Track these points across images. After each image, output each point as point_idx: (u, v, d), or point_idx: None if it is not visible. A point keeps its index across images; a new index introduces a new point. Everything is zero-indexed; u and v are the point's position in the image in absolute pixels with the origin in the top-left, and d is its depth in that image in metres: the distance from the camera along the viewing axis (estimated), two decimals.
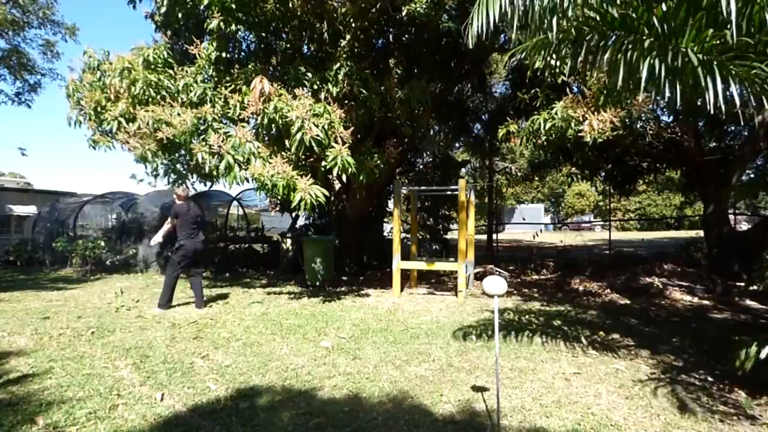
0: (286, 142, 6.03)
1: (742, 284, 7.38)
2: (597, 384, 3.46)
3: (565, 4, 2.76)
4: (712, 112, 2.46)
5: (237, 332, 5.01)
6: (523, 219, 33.68)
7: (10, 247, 13.36)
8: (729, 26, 2.39)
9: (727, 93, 2.51)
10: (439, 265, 7.88)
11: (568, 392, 3.30)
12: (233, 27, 6.45)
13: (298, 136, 5.57)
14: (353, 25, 7.10)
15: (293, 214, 11.63)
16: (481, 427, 2.76)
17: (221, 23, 6.31)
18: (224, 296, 7.37)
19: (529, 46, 3.24)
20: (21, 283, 9.22)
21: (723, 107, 2.45)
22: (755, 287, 6.82)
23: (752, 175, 11.44)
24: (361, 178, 6.44)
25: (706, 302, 6.70)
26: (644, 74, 2.63)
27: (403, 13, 6.57)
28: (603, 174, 11.47)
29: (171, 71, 6.76)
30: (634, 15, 2.71)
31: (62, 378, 3.56)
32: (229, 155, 5.76)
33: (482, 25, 3.02)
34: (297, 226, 11.73)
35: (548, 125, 5.81)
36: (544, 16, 2.82)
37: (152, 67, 6.65)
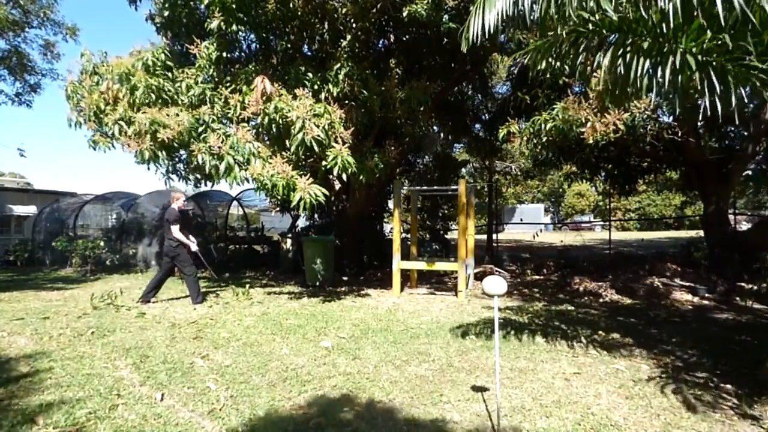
0: (287, 142, 6.03)
1: (744, 284, 7.38)
2: (597, 384, 3.46)
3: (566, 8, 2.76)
4: (709, 113, 2.46)
5: (237, 332, 5.01)
6: (521, 219, 33.67)
7: (10, 247, 13.36)
8: (728, 27, 2.39)
9: (728, 93, 2.51)
10: (439, 265, 7.88)
11: (568, 392, 3.30)
12: (234, 27, 6.45)
13: (299, 136, 5.58)
14: (354, 25, 7.10)
15: (293, 214, 11.64)
16: (481, 427, 2.76)
17: (222, 23, 6.31)
18: (224, 296, 7.37)
19: (530, 50, 3.25)
20: (21, 283, 9.22)
21: (721, 108, 2.46)
22: (756, 287, 6.82)
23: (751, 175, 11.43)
24: (361, 177, 6.44)
25: (706, 302, 6.70)
26: (645, 77, 2.63)
27: (404, 14, 6.57)
28: (603, 174, 11.46)
29: (170, 74, 6.77)
30: (631, 17, 2.71)
31: (62, 378, 3.56)
32: (229, 155, 5.77)
33: (478, 30, 3.03)
34: (297, 227, 11.74)
35: (549, 126, 5.81)
36: (545, 20, 2.83)
37: (151, 71, 6.65)
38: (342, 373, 3.68)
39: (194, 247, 6.73)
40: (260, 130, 6.23)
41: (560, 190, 43.08)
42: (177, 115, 6.10)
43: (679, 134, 8.18)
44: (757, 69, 2.50)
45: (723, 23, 2.36)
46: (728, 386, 3.38)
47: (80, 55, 7.04)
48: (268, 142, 6.31)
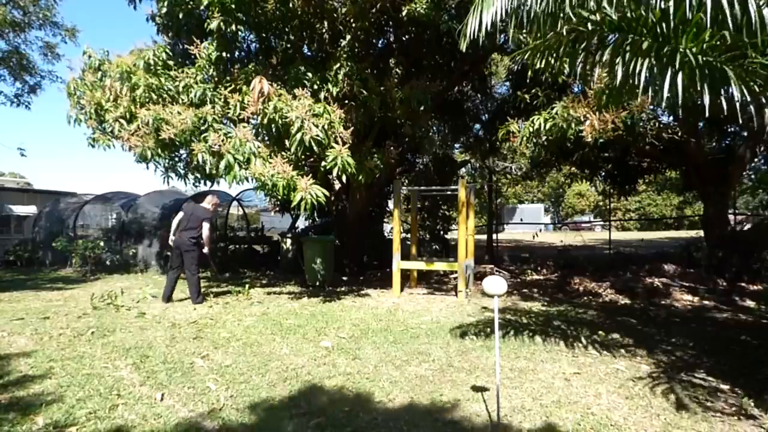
0: (286, 142, 6.03)
1: (744, 284, 7.38)
2: (597, 384, 3.46)
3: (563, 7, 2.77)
4: (709, 113, 2.46)
5: (237, 332, 5.01)
6: (521, 219, 33.66)
7: (10, 247, 13.36)
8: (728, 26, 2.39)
9: (727, 93, 2.51)
10: (439, 265, 7.88)
11: (568, 392, 3.30)
12: (233, 27, 6.45)
13: (298, 136, 5.58)
14: (353, 25, 7.10)
15: (293, 214, 11.64)
16: (481, 427, 2.76)
17: (221, 23, 6.31)
18: (224, 296, 7.37)
19: (528, 49, 3.26)
20: (21, 283, 9.22)
21: (723, 107, 2.46)
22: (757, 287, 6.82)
23: (752, 175, 11.45)
24: (360, 178, 6.45)
25: (706, 302, 6.70)
26: (642, 75, 2.63)
27: (404, 13, 6.57)
28: (603, 174, 11.46)
29: (171, 73, 6.77)
30: (631, 16, 2.72)
31: (62, 378, 3.56)
32: (229, 155, 5.77)
33: (475, 29, 3.04)
34: (297, 227, 11.74)
35: (548, 125, 5.81)
36: (543, 20, 2.83)
37: (152, 69, 6.66)
38: (342, 373, 3.68)
39: (206, 249, 6.88)
40: (260, 130, 6.23)
41: (560, 190, 43.11)
42: (180, 113, 6.11)
43: (679, 134, 8.18)
44: (755, 69, 2.50)
45: (710, 23, 2.36)
46: (728, 386, 3.38)
47: (83, 53, 7.05)
48: (267, 142, 6.31)
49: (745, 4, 2.39)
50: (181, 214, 6.87)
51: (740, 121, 7.75)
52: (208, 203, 6.99)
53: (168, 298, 6.81)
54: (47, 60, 15.39)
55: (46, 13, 14.01)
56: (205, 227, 6.71)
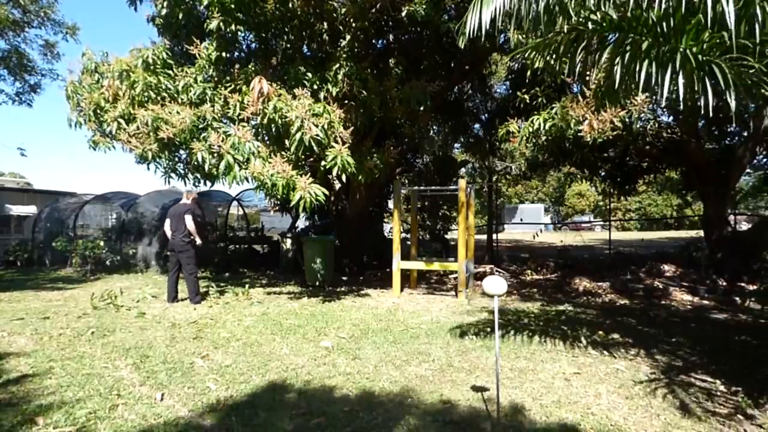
0: (286, 141, 6.03)
1: (744, 284, 7.38)
2: (597, 384, 3.46)
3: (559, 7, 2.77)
4: (711, 113, 2.46)
5: (237, 332, 5.01)
6: (521, 219, 33.67)
7: (10, 247, 13.36)
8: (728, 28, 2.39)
9: (727, 94, 2.51)
10: (439, 265, 7.88)
11: (568, 392, 3.30)
12: (233, 27, 6.45)
13: (298, 135, 5.58)
14: (353, 25, 7.10)
15: (293, 214, 11.63)
16: (481, 427, 2.76)
17: (221, 23, 6.31)
18: (224, 296, 7.37)
19: (528, 48, 3.26)
20: (21, 283, 9.22)
21: (723, 107, 2.46)
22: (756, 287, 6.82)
23: (752, 175, 11.46)
24: (360, 177, 6.44)
25: (706, 303, 6.70)
26: (642, 74, 2.63)
27: (403, 14, 6.58)
28: (603, 174, 11.46)
29: (170, 72, 6.78)
30: (631, 15, 2.72)
31: (62, 378, 3.56)
32: (229, 155, 5.77)
33: (475, 26, 3.05)
34: (297, 227, 11.74)
35: (548, 125, 5.81)
36: (543, 17, 2.83)
37: (151, 68, 6.66)
38: (342, 373, 3.68)
39: (199, 241, 6.91)
40: (260, 129, 6.23)
41: (561, 189, 43.14)
42: (179, 113, 6.11)
43: (679, 134, 8.19)
44: (754, 69, 2.50)
45: (709, 22, 2.36)
46: (728, 386, 3.38)
47: (81, 55, 7.08)
48: (267, 142, 6.31)
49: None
50: (168, 220, 6.90)
51: (740, 122, 7.76)
52: (185, 198, 7.05)
53: (174, 299, 6.84)
54: (47, 59, 15.39)
55: (46, 11, 13.99)
56: (188, 219, 6.70)
